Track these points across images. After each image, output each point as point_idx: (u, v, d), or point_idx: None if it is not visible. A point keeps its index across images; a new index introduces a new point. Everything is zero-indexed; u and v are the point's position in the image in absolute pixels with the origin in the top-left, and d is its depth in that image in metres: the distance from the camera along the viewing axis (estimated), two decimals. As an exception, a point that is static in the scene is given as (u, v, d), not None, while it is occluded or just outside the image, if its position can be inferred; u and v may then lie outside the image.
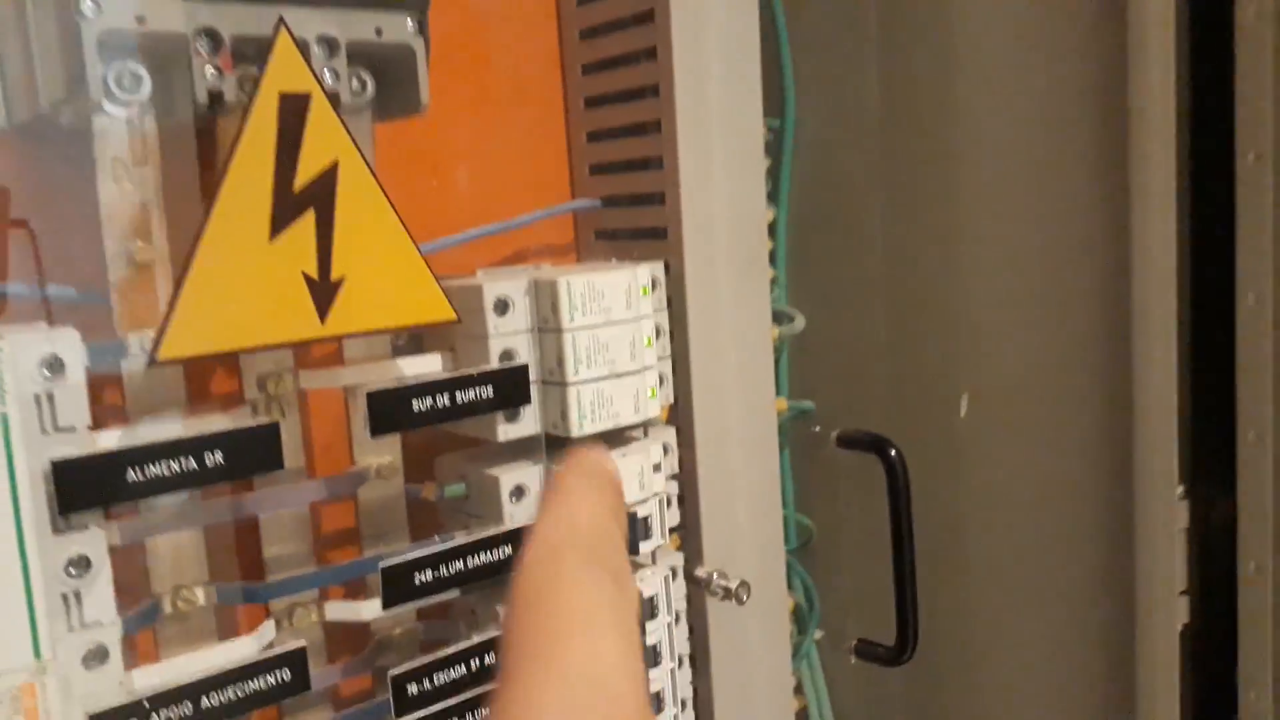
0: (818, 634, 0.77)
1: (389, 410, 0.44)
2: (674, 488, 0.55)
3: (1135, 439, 0.59)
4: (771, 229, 0.75)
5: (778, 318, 0.74)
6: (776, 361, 0.77)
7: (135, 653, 0.44)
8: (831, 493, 0.73)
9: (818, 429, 0.68)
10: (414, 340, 0.53)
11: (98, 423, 0.41)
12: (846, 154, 0.71)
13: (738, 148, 0.59)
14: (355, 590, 0.51)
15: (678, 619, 0.55)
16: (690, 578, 0.59)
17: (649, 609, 0.51)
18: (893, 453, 0.61)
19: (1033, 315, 0.64)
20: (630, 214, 0.61)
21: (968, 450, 0.68)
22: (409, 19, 0.45)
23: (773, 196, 0.75)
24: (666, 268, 0.58)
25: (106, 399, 0.44)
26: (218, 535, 0.46)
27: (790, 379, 0.77)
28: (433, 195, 0.61)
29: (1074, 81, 0.61)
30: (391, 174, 0.58)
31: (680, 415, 0.59)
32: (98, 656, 0.39)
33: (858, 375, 0.73)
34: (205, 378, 0.48)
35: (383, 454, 0.50)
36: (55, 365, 0.37)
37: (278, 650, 0.42)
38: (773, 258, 0.75)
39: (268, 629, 0.46)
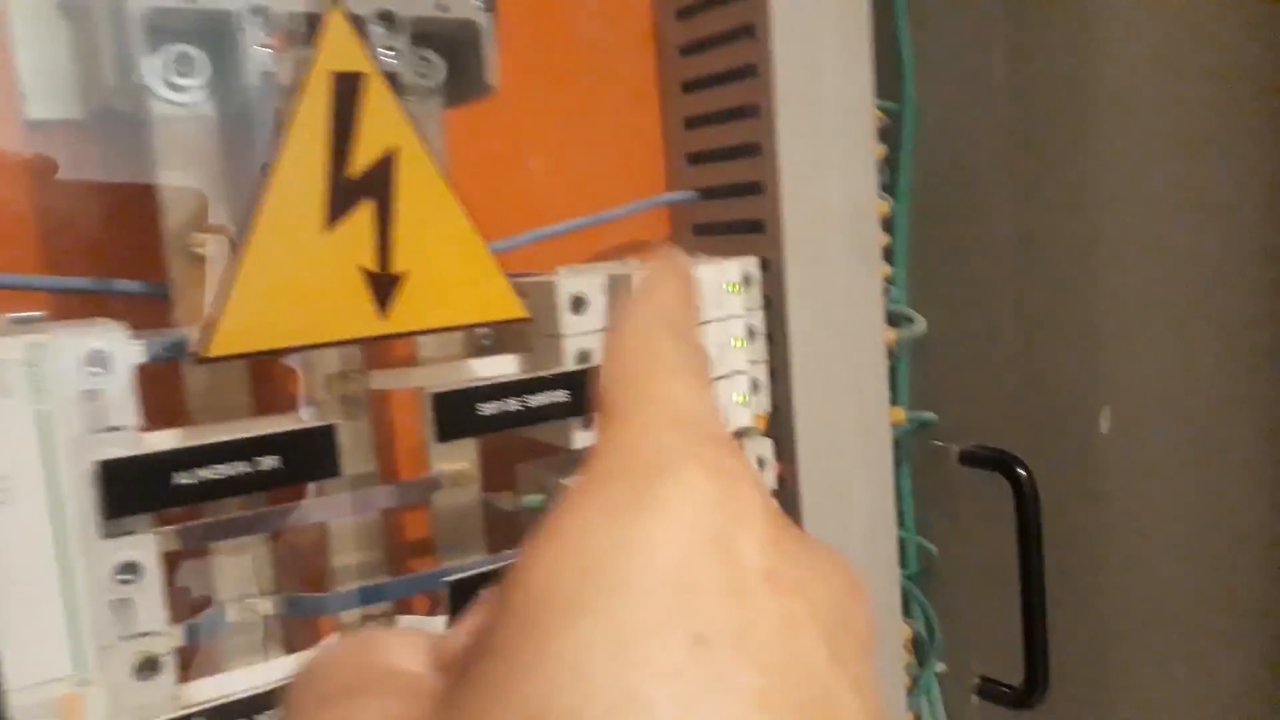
0: (939, 667, 0.71)
1: (455, 414, 0.41)
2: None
3: (1309, 458, 0.52)
4: (890, 223, 0.69)
5: (897, 320, 0.69)
6: (895, 368, 0.71)
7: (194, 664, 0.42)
8: (954, 513, 0.67)
9: (939, 443, 0.62)
10: (502, 341, 0.50)
11: (159, 423, 0.40)
12: (972, 140, 0.65)
13: (846, 132, 0.55)
14: (438, 603, 0.48)
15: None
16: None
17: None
18: (1022, 474, 0.54)
19: (1185, 319, 0.57)
20: (728, 206, 0.57)
21: (1109, 470, 0.61)
22: (477, -6, 0.42)
23: (891, 188, 0.69)
24: (766, 264, 0.54)
25: (170, 398, 0.42)
26: (286, 542, 0.45)
27: (910, 387, 0.71)
28: (515, 187, 0.59)
29: (1238, 51, 0.54)
30: (471, 163, 0.56)
31: (780, 425, 0.54)
32: (149, 667, 0.37)
33: (985, 384, 0.67)
34: (275, 377, 0.47)
35: (457, 460, 0.48)
36: (101, 362, 0.35)
37: (333, 668, 0.39)
38: (891, 254, 0.70)
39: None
